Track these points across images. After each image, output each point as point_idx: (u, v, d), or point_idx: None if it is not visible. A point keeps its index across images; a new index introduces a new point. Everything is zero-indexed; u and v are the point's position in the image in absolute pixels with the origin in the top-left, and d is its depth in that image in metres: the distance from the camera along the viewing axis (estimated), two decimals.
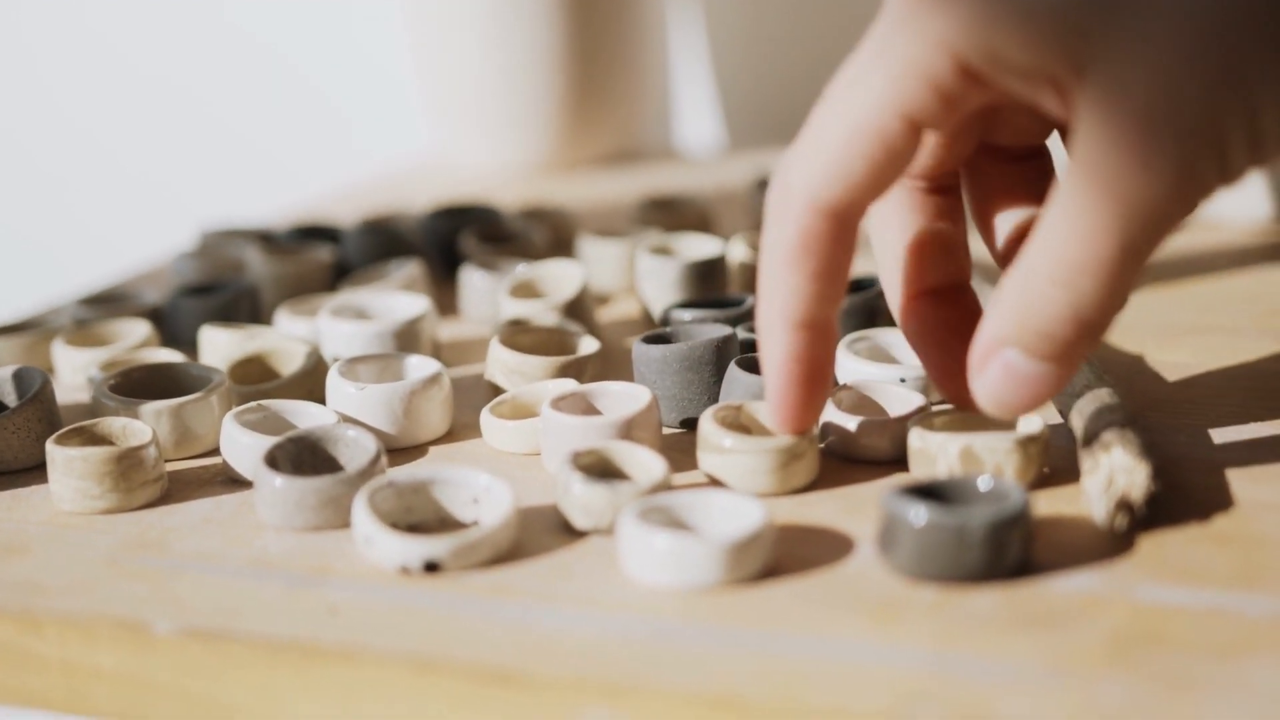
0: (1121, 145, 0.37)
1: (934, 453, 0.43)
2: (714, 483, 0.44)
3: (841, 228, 0.40)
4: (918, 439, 0.43)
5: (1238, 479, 0.43)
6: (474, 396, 0.51)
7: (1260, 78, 0.36)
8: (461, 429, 0.49)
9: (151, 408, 0.47)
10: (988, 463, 0.42)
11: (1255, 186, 0.66)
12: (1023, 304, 0.39)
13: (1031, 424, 0.43)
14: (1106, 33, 0.37)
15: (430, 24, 0.85)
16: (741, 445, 0.43)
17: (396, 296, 0.56)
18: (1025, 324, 0.39)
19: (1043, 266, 0.38)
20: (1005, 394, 0.40)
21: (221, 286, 0.58)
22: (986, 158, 0.45)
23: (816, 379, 0.42)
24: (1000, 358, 0.39)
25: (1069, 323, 0.38)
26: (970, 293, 0.45)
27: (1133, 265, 0.38)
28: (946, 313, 0.44)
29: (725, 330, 0.49)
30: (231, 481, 0.46)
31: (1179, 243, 0.65)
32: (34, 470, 0.47)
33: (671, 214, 0.68)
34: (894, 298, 0.45)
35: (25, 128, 1.13)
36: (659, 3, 0.88)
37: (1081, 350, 0.39)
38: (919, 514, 0.38)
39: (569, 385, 0.48)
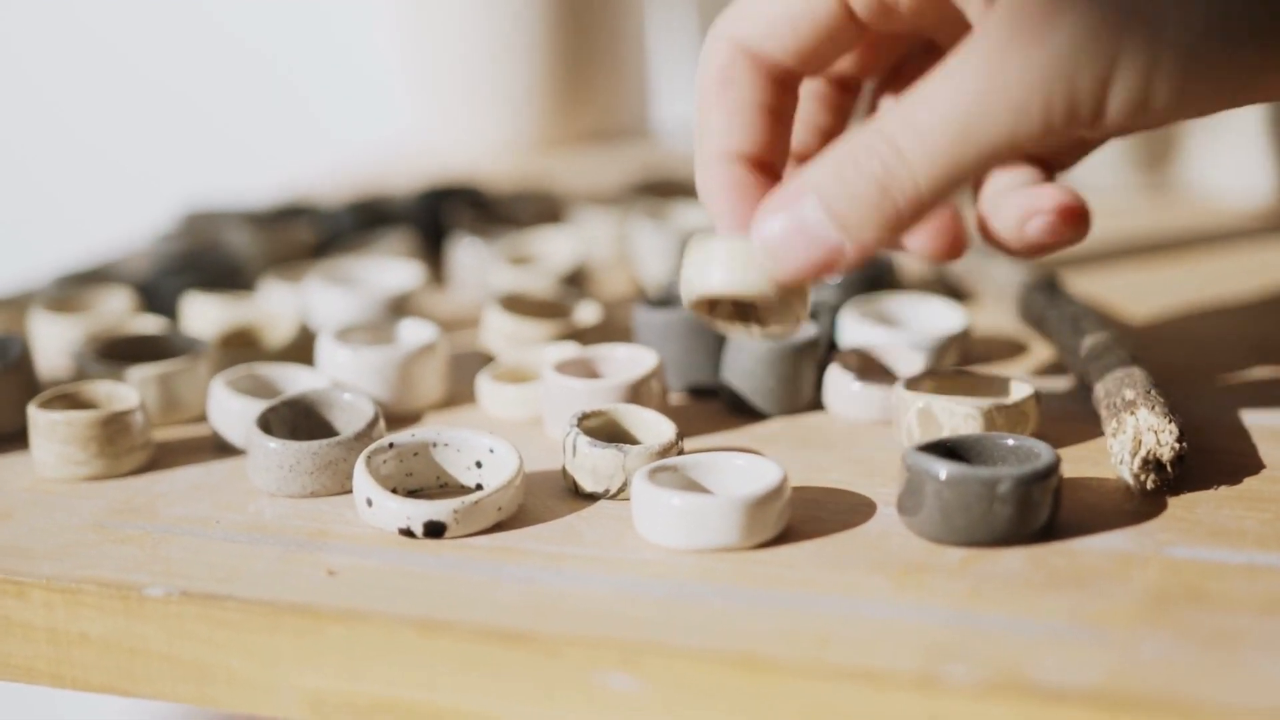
0: (1016, 23, 0.35)
1: (898, 411, 0.42)
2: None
3: (760, 71, 0.40)
4: (895, 396, 0.42)
5: (1264, 442, 0.42)
6: (468, 367, 0.50)
7: (1162, 14, 0.34)
8: (456, 398, 0.48)
9: (138, 373, 0.45)
10: (945, 425, 0.41)
11: (1259, 160, 0.65)
12: (844, 155, 0.36)
13: (1019, 389, 0.42)
14: None
15: (414, 4, 0.84)
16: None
17: (385, 265, 0.55)
18: (837, 173, 0.36)
19: (885, 122, 0.36)
20: (780, 244, 0.37)
21: (205, 260, 0.57)
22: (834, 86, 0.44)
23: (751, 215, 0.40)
24: (799, 205, 0.37)
25: (876, 184, 0.36)
26: None
27: (965, 155, 0.35)
28: (764, 180, 0.41)
29: None
30: (221, 449, 0.44)
31: (1188, 222, 0.64)
32: (13, 438, 0.45)
33: (664, 188, 0.66)
34: (714, 160, 0.41)
35: (6, 115, 1.11)
36: None
37: (875, 226, 0.36)
38: (944, 471, 0.37)
39: (571, 349, 0.46)
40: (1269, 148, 0.65)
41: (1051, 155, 0.42)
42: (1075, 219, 0.39)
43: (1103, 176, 0.68)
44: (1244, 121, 0.65)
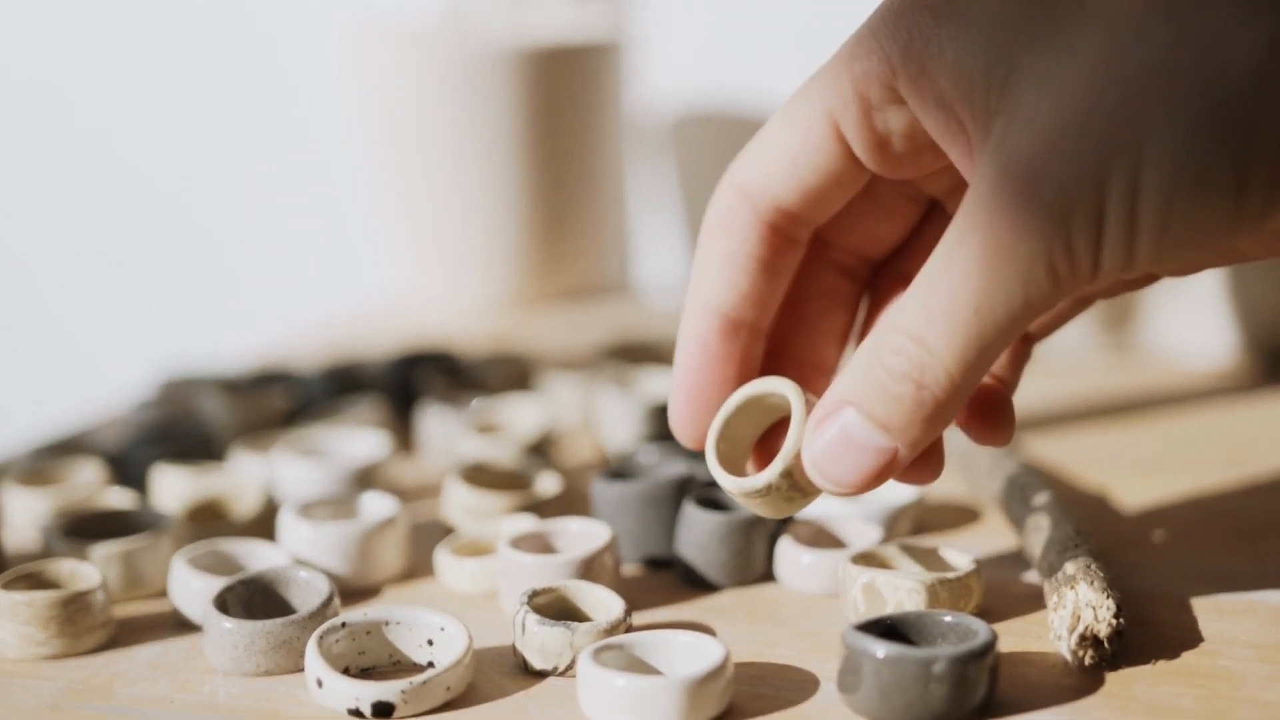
0: (1003, 192, 0.35)
1: (843, 586, 0.42)
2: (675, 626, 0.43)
3: (760, 217, 0.41)
4: (841, 570, 0.43)
5: (1205, 615, 0.42)
6: (431, 536, 0.50)
7: (1147, 144, 0.34)
8: (417, 568, 0.48)
9: (101, 550, 0.46)
10: (890, 600, 0.41)
11: (1221, 324, 0.66)
12: (870, 358, 0.37)
13: (962, 563, 0.43)
14: (1022, 74, 0.36)
15: (393, 165, 0.85)
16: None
17: (353, 433, 0.56)
18: (867, 379, 0.37)
19: (900, 317, 0.36)
20: (833, 462, 0.37)
21: (179, 431, 0.58)
22: (899, 285, 0.44)
23: (724, 375, 0.41)
24: (839, 418, 0.37)
25: (911, 381, 0.36)
26: (823, 381, 0.44)
27: (987, 330, 0.35)
28: (736, 342, 0.42)
29: (684, 470, 0.48)
30: (181, 625, 0.45)
31: (1146, 381, 0.65)
32: None
33: (634, 356, 0.67)
34: (697, 308, 0.42)
35: None
36: (617, 145, 0.89)
37: (919, 425, 0.36)
38: (881, 650, 0.37)
39: (527, 523, 0.47)
40: (1227, 310, 0.66)
41: (1037, 326, 0.43)
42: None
43: (1067, 335, 0.69)
44: (1203, 284, 0.66)
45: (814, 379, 0.44)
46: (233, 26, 1.03)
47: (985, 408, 0.41)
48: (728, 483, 0.40)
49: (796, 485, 0.39)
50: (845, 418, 0.37)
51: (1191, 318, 0.67)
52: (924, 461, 0.39)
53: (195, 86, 1.05)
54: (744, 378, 0.42)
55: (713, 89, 0.84)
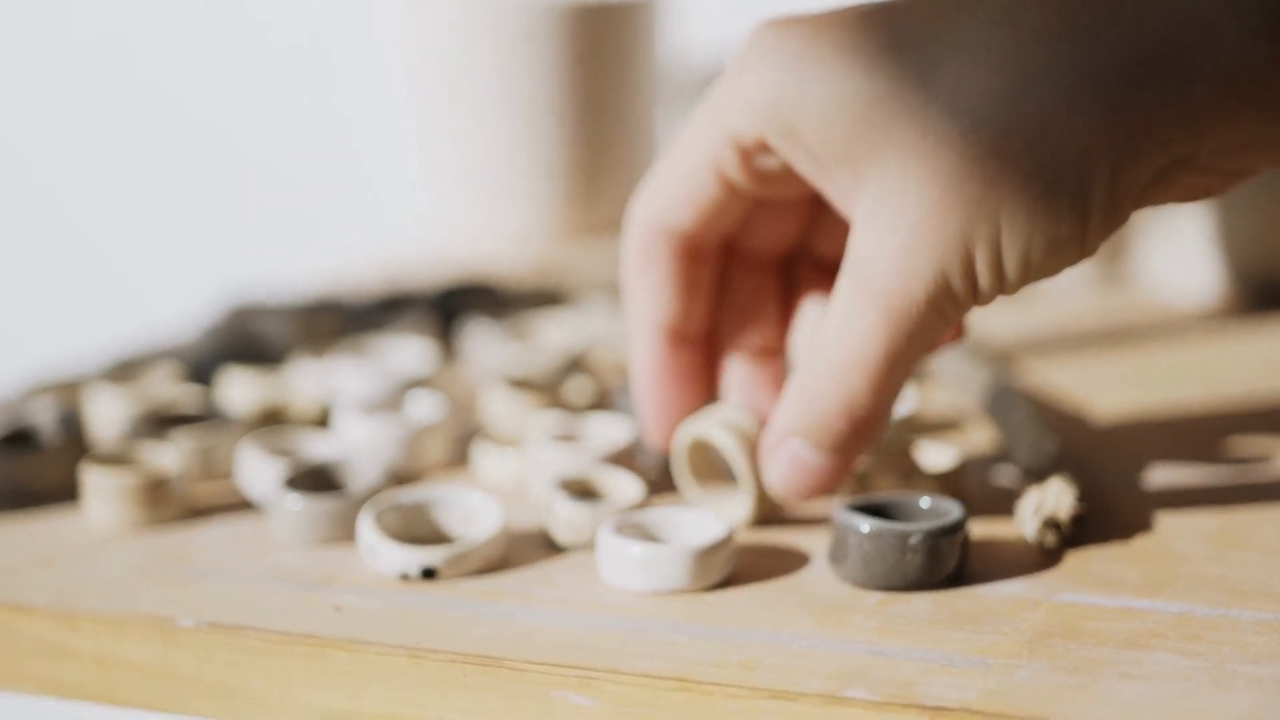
0: (886, 253, 0.41)
1: None
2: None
3: (673, 245, 0.47)
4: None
5: (1159, 507, 0.48)
6: (470, 435, 0.56)
7: (1003, 209, 0.40)
8: (456, 462, 0.54)
9: (178, 440, 0.52)
10: (880, 490, 0.47)
11: (1205, 260, 0.71)
12: (804, 399, 0.43)
13: (945, 458, 0.48)
14: (885, 143, 0.41)
15: (442, 108, 0.91)
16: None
17: (402, 344, 0.61)
18: (807, 417, 0.43)
19: (820, 364, 0.43)
20: (792, 481, 0.44)
21: (243, 348, 0.63)
22: (808, 266, 0.49)
23: (680, 389, 0.48)
24: (787, 448, 0.44)
25: (844, 418, 0.43)
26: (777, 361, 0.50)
27: (898, 365, 0.42)
28: (684, 356, 0.48)
29: None
30: (248, 506, 0.51)
31: (1132, 313, 0.70)
32: (68, 499, 0.51)
33: None
34: (642, 335, 0.48)
35: (65, 199, 1.19)
36: (651, 93, 0.94)
37: (858, 443, 0.43)
38: (865, 525, 0.42)
39: (556, 419, 0.53)
40: (1212, 246, 0.71)
41: None
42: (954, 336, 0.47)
43: None
44: (1190, 223, 0.71)
45: (765, 361, 0.50)
46: None
47: None
48: (717, 500, 0.48)
49: (763, 501, 0.47)
50: (793, 446, 0.44)
51: (1178, 253, 0.72)
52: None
53: (260, 31, 1.10)
54: (699, 382, 0.49)
55: (740, 37, 0.89)
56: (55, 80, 1.16)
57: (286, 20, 1.10)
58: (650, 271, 0.47)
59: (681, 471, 0.48)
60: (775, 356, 0.50)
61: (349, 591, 0.44)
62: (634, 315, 0.48)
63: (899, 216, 0.41)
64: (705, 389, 0.49)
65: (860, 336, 0.42)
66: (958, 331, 0.47)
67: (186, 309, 0.78)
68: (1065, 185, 0.40)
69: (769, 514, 0.47)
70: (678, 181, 0.46)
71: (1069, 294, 0.74)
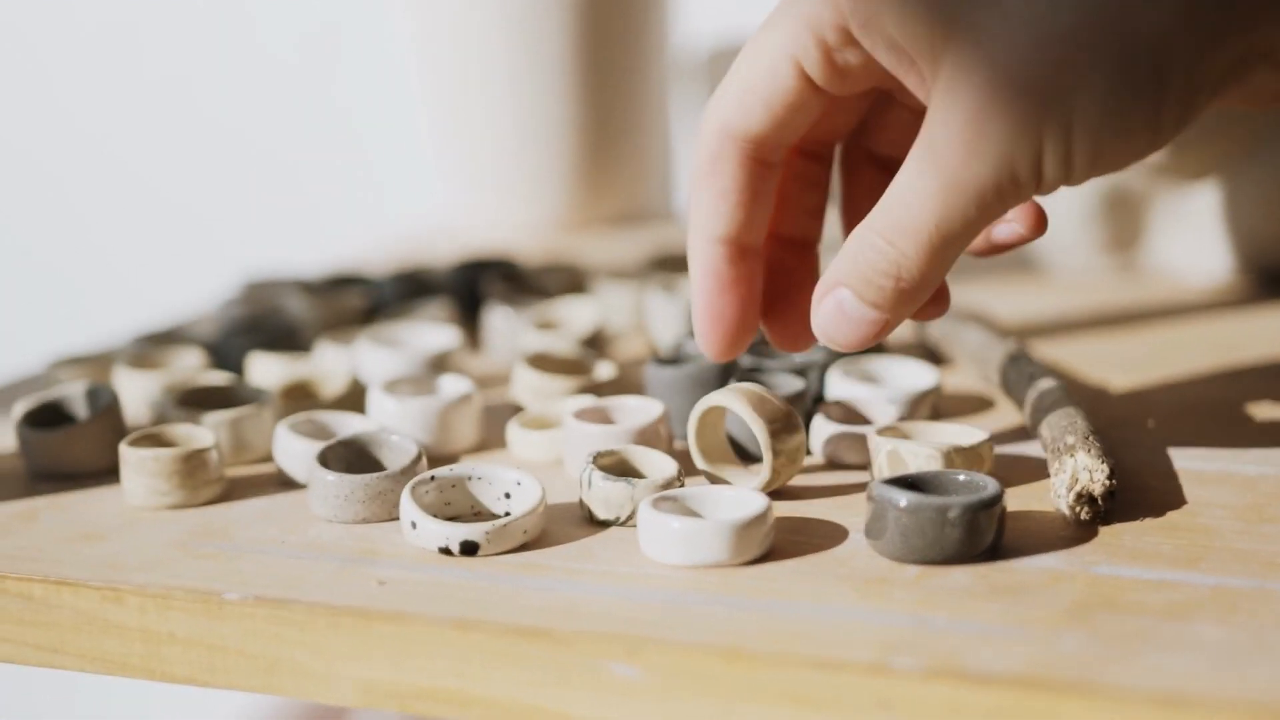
0: (955, 132, 0.42)
1: (871, 453, 0.48)
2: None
3: (743, 152, 0.47)
4: (869, 440, 0.48)
5: (1189, 483, 0.48)
6: (498, 416, 0.56)
7: (1078, 94, 0.41)
8: (487, 442, 0.54)
9: (212, 418, 0.52)
10: (911, 465, 0.47)
11: (1216, 245, 0.72)
12: (857, 252, 0.44)
13: (969, 435, 0.48)
14: (963, 29, 0.42)
15: (450, 96, 0.91)
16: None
17: (426, 329, 0.61)
18: (856, 270, 0.44)
19: (877, 223, 0.44)
20: (833, 328, 0.45)
21: (266, 324, 0.63)
22: (864, 162, 0.51)
23: (738, 296, 0.48)
24: (835, 295, 0.45)
25: (889, 276, 0.44)
26: (808, 254, 0.50)
27: (949, 238, 0.43)
28: (742, 265, 0.48)
29: None
30: (284, 484, 0.51)
31: (1146, 297, 0.71)
32: (104, 475, 0.52)
33: (676, 265, 0.73)
34: (702, 241, 0.48)
35: (82, 189, 1.19)
36: (663, 77, 0.94)
37: (900, 305, 0.44)
38: (904, 499, 0.43)
39: (588, 400, 0.53)
40: (1224, 233, 0.71)
41: None
42: (1035, 228, 0.47)
43: (1073, 256, 0.74)
44: (1203, 211, 0.71)
45: (801, 253, 0.50)
46: None
47: None
48: (729, 475, 0.48)
49: (778, 474, 0.47)
50: (840, 295, 0.45)
51: (1190, 240, 0.72)
52: (932, 302, 0.47)
53: (269, 25, 1.11)
54: (755, 293, 0.48)
55: (750, 27, 0.90)
56: (62, 67, 1.17)
57: (295, 13, 1.10)
58: (717, 180, 0.47)
59: (694, 445, 0.49)
60: (810, 249, 0.51)
61: (391, 565, 0.45)
62: (696, 225, 0.48)
63: (971, 98, 0.42)
64: (755, 301, 0.49)
65: (917, 204, 0.42)
66: (1038, 223, 0.47)
67: (199, 299, 0.78)
68: (1142, 70, 0.41)
69: (783, 484, 0.48)
70: (755, 81, 0.46)
71: (1083, 280, 0.74)
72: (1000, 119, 0.41)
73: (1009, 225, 0.47)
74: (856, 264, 0.44)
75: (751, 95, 0.46)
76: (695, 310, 0.48)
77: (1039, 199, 0.46)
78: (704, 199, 0.47)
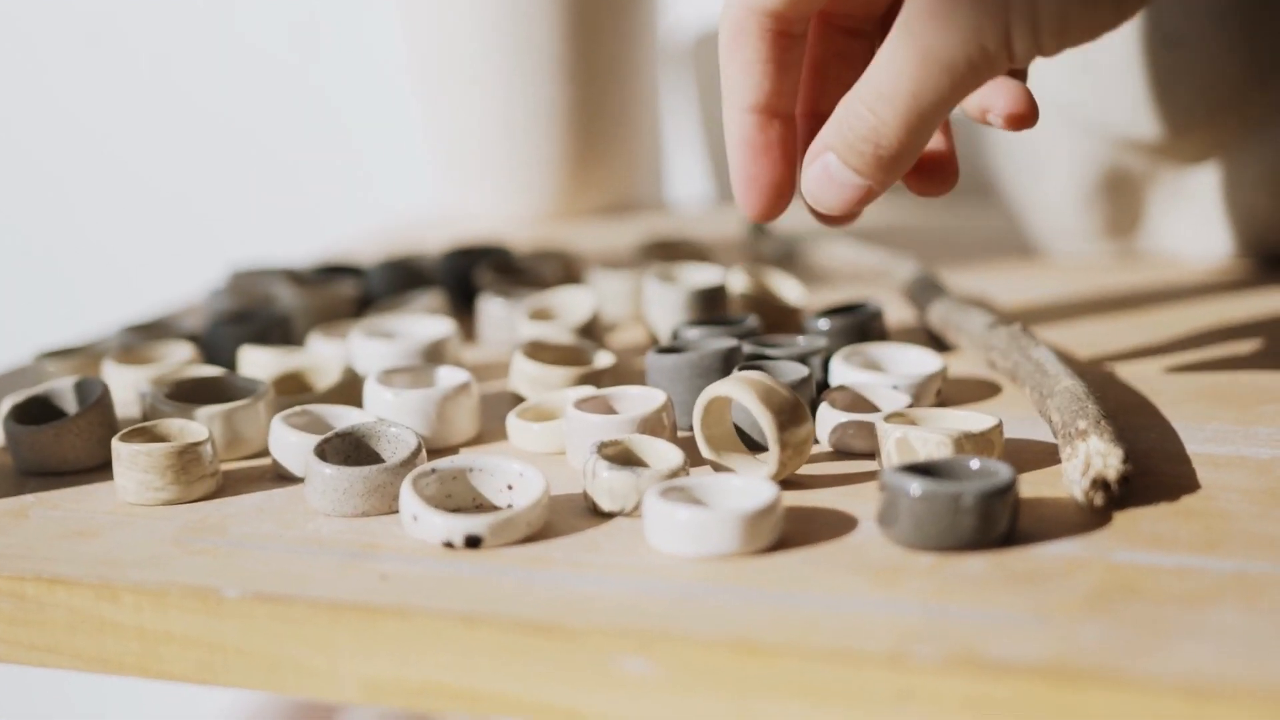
0: (927, 7, 0.44)
1: (879, 440, 0.47)
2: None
3: (764, 26, 0.48)
4: (877, 427, 0.48)
5: (1201, 467, 0.47)
6: (495, 406, 0.55)
7: None
8: (486, 434, 0.53)
9: (205, 412, 0.51)
10: (920, 453, 0.46)
11: (1216, 227, 0.71)
12: (843, 119, 0.46)
13: (978, 421, 0.48)
14: None
15: (439, 85, 0.90)
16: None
17: (420, 320, 0.60)
18: (840, 135, 0.46)
19: (861, 91, 0.46)
20: (820, 191, 0.47)
21: (256, 314, 0.62)
22: (830, 29, 0.52)
23: (770, 160, 0.50)
24: (822, 160, 0.47)
25: (870, 142, 0.46)
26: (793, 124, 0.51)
27: (925, 109, 0.45)
28: (773, 131, 0.50)
29: (731, 342, 0.53)
30: (280, 478, 0.50)
31: (1149, 280, 0.70)
32: (95, 471, 0.51)
33: (671, 252, 0.72)
34: (734, 111, 0.50)
35: (67, 180, 1.18)
36: (653, 66, 0.93)
37: (880, 172, 0.46)
38: (916, 486, 0.42)
39: (589, 390, 0.52)
40: (1224, 217, 0.71)
41: None
42: (1022, 122, 0.48)
43: (1075, 241, 0.73)
44: (1203, 195, 0.71)
45: None
46: None
47: (928, 167, 0.51)
48: (736, 465, 0.48)
49: (786, 465, 0.46)
50: (826, 160, 0.47)
51: (1190, 223, 0.72)
52: (935, 176, 0.51)
53: (254, 19, 1.10)
54: (788, 157, 0.50)
55: None
56: (48, 60, 1.15)
57: (283, 3, 1.09)
58: (741, 52, 0.49)
59: (700, 434, 0.48)
60: None
61: (393, 559, 0.44)
62: (726, 94, 0.50)
63: None
64: (797, 161, 0.51)
65: (894, 76, 0.45)
66: (1028, 110, 0.48)
67: (186, 289, 0.77)
68: None
69: (790, 474, 0.47)
70: None
71: (1085, 264, 0.74)
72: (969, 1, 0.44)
73: (1000, 99, 0.49)
74: (841, 130, 0.46)
75: None
76: (733, 175, 0.50)
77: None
78: (731, 71, 0.49)
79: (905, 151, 0.46)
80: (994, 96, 0.48)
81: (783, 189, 0.50)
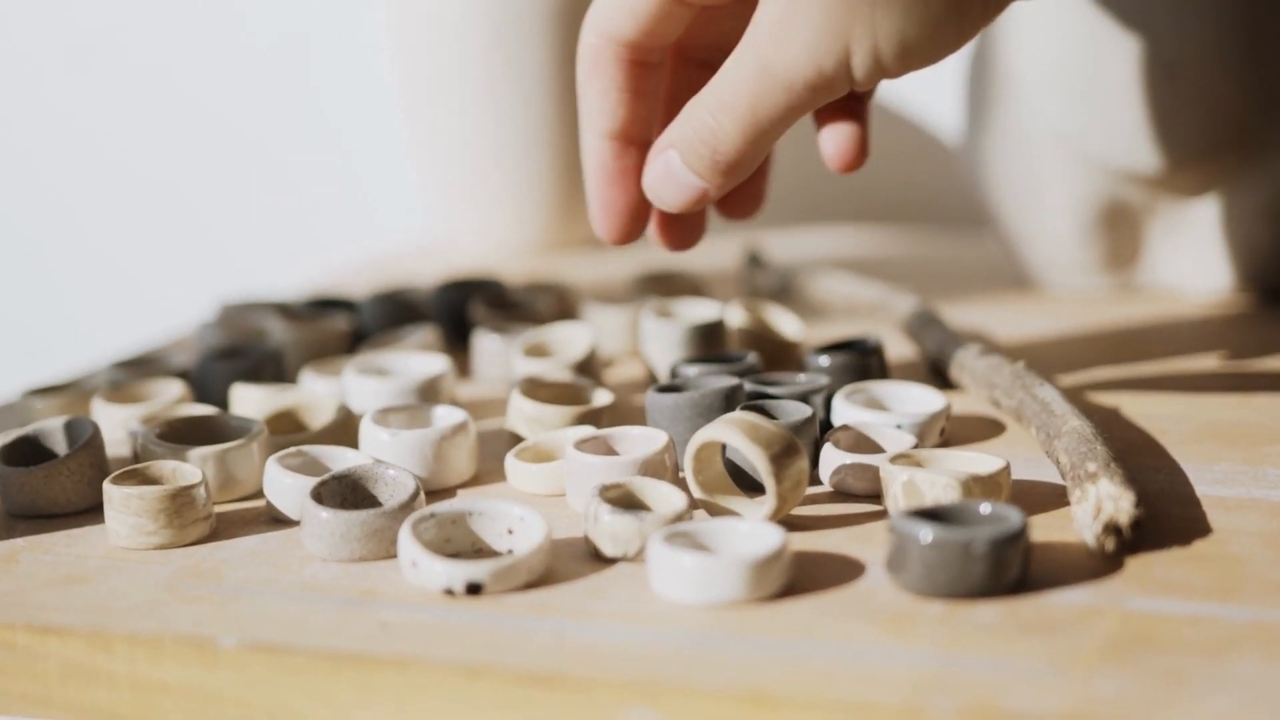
0: (768, 25, 0.46)
1: (885, 483, 0.47)
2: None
3: (619, 55, 0.51)
4: (883, 469, 0.47)
5: (1212, 510, 0.47)
6: (494, 446, 0.54)
7: (880, 7, 0.45)
8: (484, 475, 0.52)
9: (198, 453, 0.50)
10: (927, 495, 0.46)
11: (1217, 261, 0.70)
12: (686, 120, 0.48)
13: (986, 463, 0.47)
14: None
15: (430, 114, 0.89)
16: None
17: (414, 357, 0.59)
18: (683, 136, 0.48)
19: (705, 97, 0.48)
20: (659, 186, 0.49)
21: (247, 350, 0.61)
22: (686, 60, 0.54)
23: (626, 186, 0.52)
24: (664, 156, 0.49)
25: (709, 146, 0.48)
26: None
27: (760, 121, 0.47)
28: (629, 158, 0.52)
29: (733, 380, 0.52)
30: (275, 521, 0.49)
31: (1150, 314, 0.70)
32: (85, 513, 0.50)
33: (667, 286, 0.71)
34: (591, 137, 0.53)
35: (59, 201, 1.17)
36: None
37: (717, 176, 0.48)
38: (926, 533, 0.41)
39: (589, 430, 0.51)
40: (1224, 251, 0.70)
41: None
42: (846, 169, 0.51)
43: (1073, 276, 0.73)
44: (1203, 229, 0.70)
45: None
46: None
47: (733, 192, 0.54)
48: (735, 507, 0.47)
49: (785, 500, 0.46)
50: (669, 157, 0.49)
51: (1191, 258, 0.71)
52: (741, 200, 0.55)
53: (248, 39, 1.09)
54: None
55: None
56: (44, 84, 1.14)
57: (271, 28, 1.08)
58: (598, 80, 0.51)
59: (693, 482, 0.47)
60: None
61: (392, 607, 0.43)
62: (584, 119, 0.52)
63: (780, 6, 0.46)
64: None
65: (734, 86, 0.47)
66: (852, 160, 0.51)
67: (180, 319, 0.76)
68: None
69: (790, 510, 0.46)
70: None
71: (1085, 299, 0.73)
72: (805, 19, 0.45)
73: (832, 142, 0.52)
74: (684, 131, 0.48)
75: (622, 4, 0.50)
76: (589, 199, 0.53)
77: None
78: (589, 96, 0.52)
79: (742, 160, 0.48)
80: (824, 140, 0.51)
81: (638, 214, 0.52)
